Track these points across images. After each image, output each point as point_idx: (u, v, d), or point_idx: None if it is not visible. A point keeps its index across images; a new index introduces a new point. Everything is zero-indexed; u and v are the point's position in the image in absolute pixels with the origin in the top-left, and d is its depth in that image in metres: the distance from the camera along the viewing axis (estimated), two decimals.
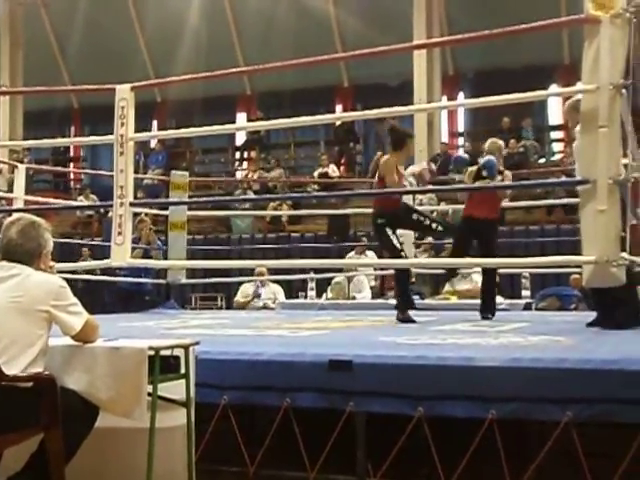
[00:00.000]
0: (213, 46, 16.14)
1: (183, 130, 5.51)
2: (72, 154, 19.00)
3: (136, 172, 12.73)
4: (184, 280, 8.32)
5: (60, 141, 17.29)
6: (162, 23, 16.46)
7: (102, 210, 13.72)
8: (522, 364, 3.25)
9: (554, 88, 16.13)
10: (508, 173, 6.50)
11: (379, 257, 5.90)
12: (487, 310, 6.38)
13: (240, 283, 9.73)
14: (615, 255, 3.39)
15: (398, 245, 5.95)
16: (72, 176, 18.13)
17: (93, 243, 11.40)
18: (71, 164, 18.76)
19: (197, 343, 3.39)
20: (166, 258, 7.92)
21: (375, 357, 3.50)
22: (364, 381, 3.40)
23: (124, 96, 4.23)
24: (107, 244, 8.12)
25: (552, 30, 6.84)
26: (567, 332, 4.81)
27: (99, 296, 9.63)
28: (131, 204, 4.16)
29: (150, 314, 7.53)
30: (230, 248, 12.47)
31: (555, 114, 15.88)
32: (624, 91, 3.48)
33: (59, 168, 16.79)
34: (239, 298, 9.64)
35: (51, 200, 9.43)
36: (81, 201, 13.93)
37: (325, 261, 6.32)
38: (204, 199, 9.26)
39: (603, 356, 3.34)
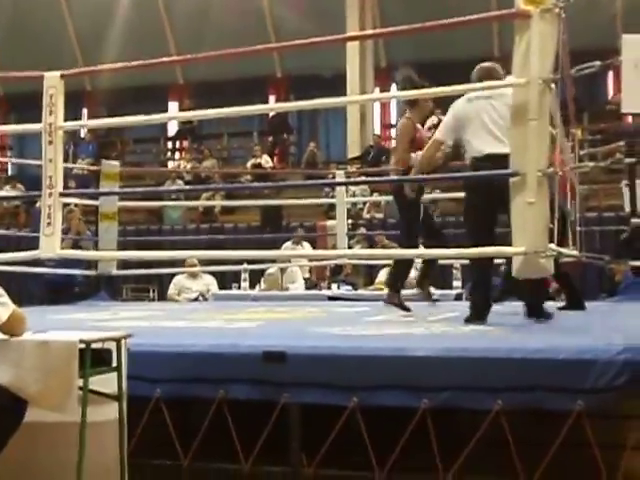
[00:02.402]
0: (144, 34, 15.94)
1: (114, 119, 5.44)
2: None
3: (66, 162, 12.52)
4: (115, 271, 8.20)
5: None
6: (92, 9, 16.18)
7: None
8: (453, 353, 3.30)
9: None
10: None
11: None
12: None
13: (173, 275, 9.64)
14: (544, 246, 3.46)
15: None
16: None
17: (20, 234, 11.15)
18: None
19: (129, 336, 3.35)
20: (97, 249, 7.80)
21: (308, 348, 3.51)
22: (298, 372, 3.40)
23: (53, 84, 4.14)
24: (35, 235, 8.02)
25: (483, 24, 6.93)
26: (496, 322, 4.88)
27: (26, 287, 9.43)
28: (61, 194, 4.07)
29: (80, 306, 7.40)
30: (162, 239, 12.34)
31: None
32: (553, 85, 3.54)
33: None
34: (172, 290, 9.56)
35: None
36: (7, 191, 13.61)
37: (260, 252, 6.30)
38: (137, 189, 9.12)
39: (531, 345, 3.41)
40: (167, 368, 3.59)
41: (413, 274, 7.24)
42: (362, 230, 11.01)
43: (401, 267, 6.00)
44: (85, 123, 6.27)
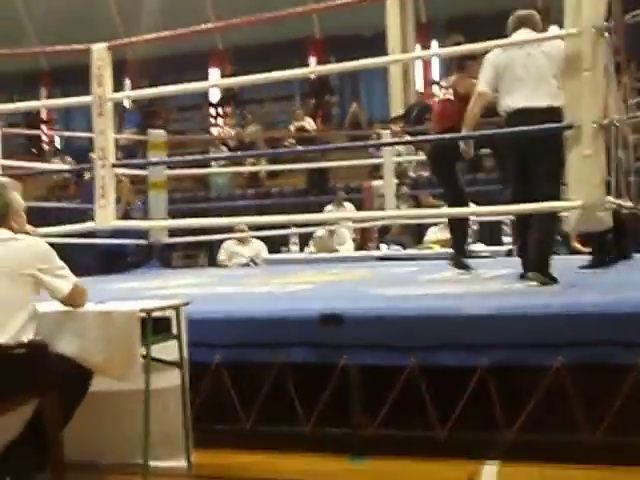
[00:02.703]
0: (182, 1, 15.90)
1: (159, 89, 5.42)
2: (45, 117, 18.72)
3: None
4: (166, 240, 8.28)
5: (38, 104, 16.98)
6: None
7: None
8: (511, 311, 3.28)
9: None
10: None
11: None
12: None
13: (222, 241, 9.68)
14: (601, 199, 3.40)
15: None
16: (45, 139, 17.89)
17: (71, 206, 11.29)
18: (43, 127, 18.49)
19: (187, 303, 3.39)
20: (147, 218, 7.88)
21: (365, 310, 3.51)
22: (355, 334, 3.42)
23: (100, 56, 4.15)
24: (85, 206, 8.11)
25: None
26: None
27: (80, 258, 9.54)
28: (113, 165, 4.11)
29: (133, 275, 7.51)
30: (209, 206, 12.40)
31: None
32: (606, 34, 3.46)
33: (34, 131, 16.47)
34: (222, 256, 9.61)
35: (28, 164, 9.30)
36: (56, 163, 13.75)
37: (306, 216, 6.29)
38: (186, 157, 9.13)
39: (589, 299, 3.37)
40: (225, 334, 3.63)
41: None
42: (407, 190, 10.92)
43: (456, 226, 5.94)
44: (133, 93, 6.29)
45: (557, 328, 3.17)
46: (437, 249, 8.83)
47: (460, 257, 5.78)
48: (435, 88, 5.92)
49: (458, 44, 5.60)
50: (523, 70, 4.38)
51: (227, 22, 11.28)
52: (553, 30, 13.46)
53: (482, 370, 3.21)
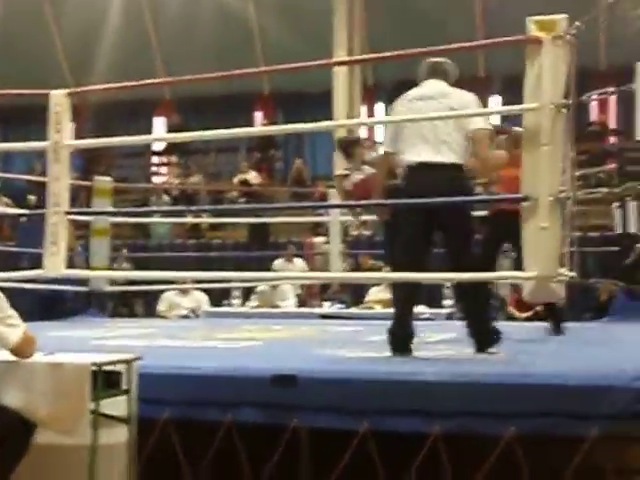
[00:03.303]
0: (132, 50, 15.92)
1: (115, 139, 5.39)
2: None
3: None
4: (106, 288, 8.15)
5: None
6: (80, 27, 16.11)
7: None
8: (466, 379, 3.29)
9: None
10: None
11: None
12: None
13: (162, 291, 9.57)
14: (555, 271, 3.47)
15: None
16: None
17: (6, 249, 11.04)
18: None
19: (139, 358, 3.32)
20: (88, 264, 7.76)
21: (319, 372, 3.48)
22: (308, 396, 3.38)
23: (59, 102, 4.10)
24: (23, 250, 7.95)
25: (492, 48, 6.88)
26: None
27: (18, 303, 9.31)
28: (66, 213, 4.04)
29: (73, 322, 7.36)
30: (149, 255, 12.28)
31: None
32: (564, 110, 3.56)
33: None
34: (162, 306, 9.49)
35: None
36: None
37: (253, 274, 6.27)
38: (143, 209, 9.09)
39: (544, 370, 3.42)
40: (175, 390, 3.55)
41: None
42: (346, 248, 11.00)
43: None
44: (87, 142, 6.25)
45: (510, 398, 3.18)
46: (379, 309, 8.87)
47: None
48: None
49: (346, 143, 6.02)
50: (427, 123, 4.23)
51: (174, 79, 11.38)
52: (494, 100, 13.84)
53: (434, 437, 3.20)
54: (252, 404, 3.46)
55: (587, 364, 3.64)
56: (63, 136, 4.11)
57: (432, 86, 4.36)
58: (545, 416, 3.13)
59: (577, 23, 3.61)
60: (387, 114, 4.64)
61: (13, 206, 12.87)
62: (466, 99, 4.30)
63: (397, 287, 4.42)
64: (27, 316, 7.77)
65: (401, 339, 4.14)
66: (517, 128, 5.70)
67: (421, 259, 4.23)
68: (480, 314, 4.34)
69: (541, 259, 3.45)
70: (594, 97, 3.58)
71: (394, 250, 4.57)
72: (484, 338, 4.26)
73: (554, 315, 5.87)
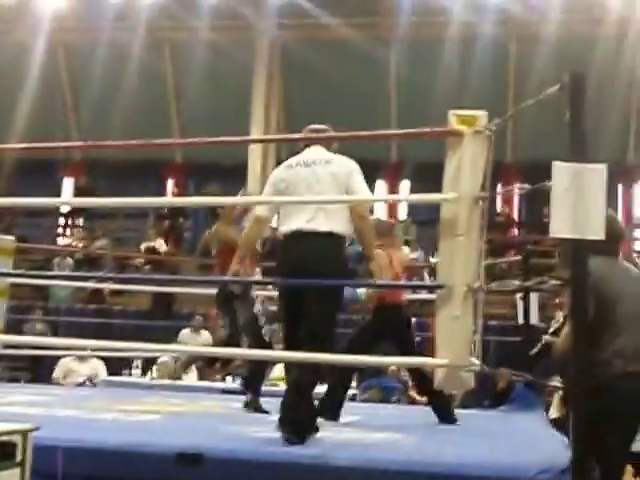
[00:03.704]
0: (47, 112, 15.76)
1: (19, 200, 5.22)
2: None
3: None
4: (1, 351, 7.83)
5: None
6: None
7: None
8: (376, 465, 3.26)
9: (380, 184, 16.95)
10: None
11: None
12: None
13: (58, 357, 9.26)
14: (466, 360, 3.50)
15: None
16: None
17: None
18: None
19: (37, 428, 3.17)
20: None
21: (227, 451, 3.40)
22: (215, 476, 3.29)
23: None
24: None
25: (411, 138, 7.06)
26: (402, 429, 4.90)
27: None
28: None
29: None
30: (47, 319, 11.91)
31: (380, 210, 16.53)
32: (480, 202, 3.66)
33: None
34: (57, 373, 9.15)
35: None
36: None
37: (157, 346, 6.10)
38: (50, 273, 8.90)
39: (450, 459, 3.42)
40: (73, 464, 3.40)
41: None
42: None
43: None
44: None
45: None
46: (283, 386, 8.76)
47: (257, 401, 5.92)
48: None
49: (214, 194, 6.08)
50: (307, 191, 4.17)
51: (86, 143, 11.29)
52: (404, 184, 14.11)
53: None
54: None
55: (492, 455, 3.66)
56: None
57: (313, 152, 4.36)
58: None
59: (497, 120, 3.74)
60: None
61: None
62: (348, 165, 4.29)
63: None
64: None
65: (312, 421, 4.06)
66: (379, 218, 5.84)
67: (293, 334, 4.09)
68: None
69: (453, 347, 3.49)
70: (508, 190, 3.70)
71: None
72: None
73: (442, 403, 5.67)
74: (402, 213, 15.82)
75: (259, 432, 4.06)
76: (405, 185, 16.61)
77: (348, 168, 4.28)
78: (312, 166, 4.25)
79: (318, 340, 3.97)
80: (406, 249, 5.88)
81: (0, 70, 15.78)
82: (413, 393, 9.71)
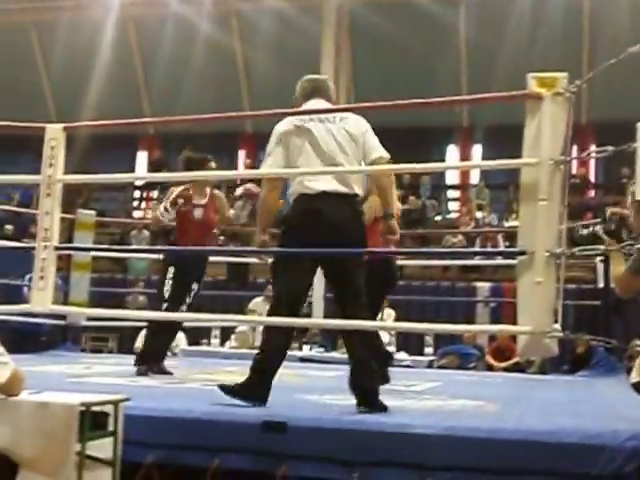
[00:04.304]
0: (119, 86, 15.99)
1: (105, 176, 5.34)
2: None
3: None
4: (84, 322, 8.05)
5: None
6: (68, 64, 16.19)
7: None
8: (458, 433, 3.25)
9: (452, 148, 16.78)
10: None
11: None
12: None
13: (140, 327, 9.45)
14: (549, 326, 3.45)
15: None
16: None
17: None
18: None
19: (127, 399, 3.26)
20: (67, 297, 7.67)
21: (310, 420, 3.43)
22: (298, 444, 3.32)
23: (54, 136, 4.07)
24: None
25: (486, 102, 6.91)
26: (484, 395, 4.88)
27: None
28: (56, 248, 3.98)
29: (50, 357, 7.24)
30: (125, 291, 12.18)
31: (452, 173, 16.38)
32: (562, 167, 3.58)
33: None
34: (139, 343, 9.35)
35: None
36: None
37: (234, 316, 6.21)
38: (134, 247, 9.12)
39: (533, 426, 3.39)
40: (161, 433, 3.48)
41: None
42: None
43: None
44: (83, 177, 6.12)
45: (500, 454, 3.15)
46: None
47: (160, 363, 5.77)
48: None
49: (188, 159, 5.87)
50: (326, 148, 3.86)
51: (159, 119, 11.42)
52: (476, 149, 13.88)
53: None
54: (240, 450, 3.40)
55: (577, 421, 3.62)
56: (56, 170, 4.06)
57: (319, 106, 4.08)
58: (534, 474, 3.10)
59: (577, 82, 3.64)
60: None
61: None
62: (362, 123, 4.02)
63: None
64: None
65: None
66: None
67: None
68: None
69: (536, 314, 3.44)
70: (591, 155, 3.64)
71: None
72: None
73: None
74: (475, 177, 15.66)
75: (341, 400, 4.09)
76: (477, 149, 16.41)
77: (363, 126, 4.00)
78: (327, 121, 3.93)
79: (365, 309, 3.91)
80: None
81: (74, 47, 16.05)
82: (490, 359, 9.68)
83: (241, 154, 17.18)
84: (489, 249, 4.66)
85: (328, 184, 3.84)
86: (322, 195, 3.82)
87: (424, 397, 4.69)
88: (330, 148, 3.88)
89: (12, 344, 7.98)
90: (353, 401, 3.92)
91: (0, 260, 8.36)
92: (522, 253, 3.53)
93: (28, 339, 7.93)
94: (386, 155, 4.02)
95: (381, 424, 3.37)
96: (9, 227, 14.26)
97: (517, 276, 3.56)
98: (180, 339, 9.24)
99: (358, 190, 3.97)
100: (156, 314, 5.45)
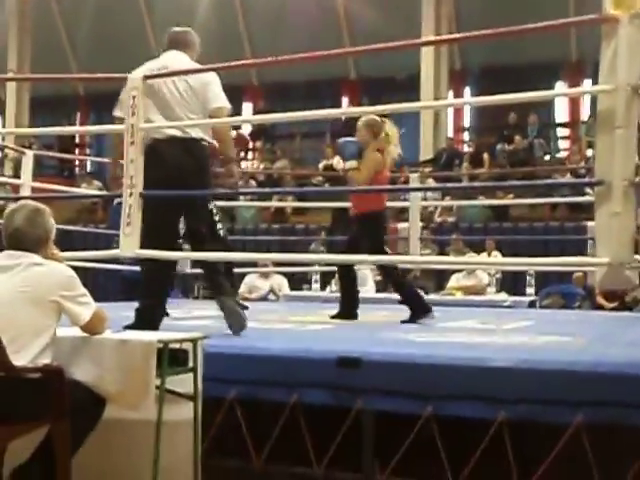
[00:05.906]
0: (221, 36, 16.10)
1: (193, 122, 5.45)
2: (78, 140, 18.98)
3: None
4: (188, 270, 8.28)
5: (71, 129, 17.05)
6: (171, 13, 16.41)
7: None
8: (533, 365, 3.23)
9: (560, 85, 16.20)
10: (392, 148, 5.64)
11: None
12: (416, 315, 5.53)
13: (244, 273, 9.69)
14: (629, 257, 3.36)
15: None
16: (77, 162, 18.12)
17: (98, 231, 11.36)
18: (77, 150, 18.72)
19: (206, 337, 3.38)
20: None
21: (384, 355, 3.47)
22: (372, 379, 3.38)
23: (136, 85, 4.19)
24: (112, 232, 8.15)
25: (564, 29, 6.67)
26: (574, 332, 4.80)
27: (101, 283, 9.60)
28: (141, 194, 4.12)
29: None
30: (234, 238, 12.42)
31: (561, 111, 15.87)
32: None
33: (66, 155, 16.61)
34: (242, 289, 9.60)
35: (57, 187, 9.39)
36: (85, 188, 13.89)
37: (330, 256, 6.26)
38: (222, 191, 9.25)
39: (615, 359, 3.32)
40: (241, 370, 3.60)
41: None
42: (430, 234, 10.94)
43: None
44: (165, 124, 6.20)
45: (579, 386, 3.11)
46: (459, 296, 8.78)
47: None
48: None
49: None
50: (171, 98, 4.30)
51: (261, 60, 11.46)
52: (586, 84, 13.44)
53: (499, 424, 3.16)
54: (317, 385, 3.48)
55: None
56: (139, 119, 4.19)
57: (172, 58, 4.43)
58: (615, 406, 3.05)
59: None
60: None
61: (104, 190, 13.23)
62: (205, 76, 4.35)
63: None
64: (110, 295, 8.02)
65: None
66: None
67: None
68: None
69: (614, 245, 3.35)
70: None
71: None
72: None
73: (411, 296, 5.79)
74: (585, 113, 15.14)
75: (418, 337, 4.11)
76: (587, 84, 15.80)
77: (205, 78, 4.36)
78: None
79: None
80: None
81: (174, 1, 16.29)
82: (601, 299, 9.45)
83: (344, 100, 17.12)
84: (564, 179, 4.53)
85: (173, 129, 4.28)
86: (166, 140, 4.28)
87: (512, 335, 4.65)
88: (175, 97, 4.31)
89: (122, 291, 8.38)
90: (437, 338, 3.94)
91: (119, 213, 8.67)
92: (600, 183, 3.43)
93: (136, 287, 8.22)
94: (227, 105, 4.43)
95: (455, 358, 3.38)
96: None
97: (595, 207, 3.47)
98: (282, 283, 9.42)
99: (196, 135, 4.33)
100: (259, 255, 5.53)
